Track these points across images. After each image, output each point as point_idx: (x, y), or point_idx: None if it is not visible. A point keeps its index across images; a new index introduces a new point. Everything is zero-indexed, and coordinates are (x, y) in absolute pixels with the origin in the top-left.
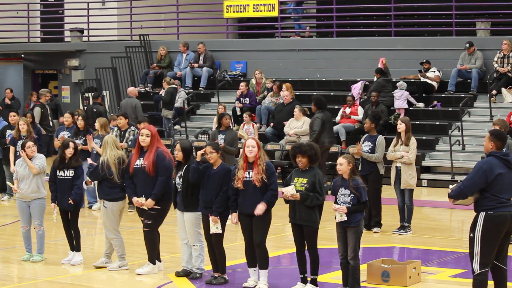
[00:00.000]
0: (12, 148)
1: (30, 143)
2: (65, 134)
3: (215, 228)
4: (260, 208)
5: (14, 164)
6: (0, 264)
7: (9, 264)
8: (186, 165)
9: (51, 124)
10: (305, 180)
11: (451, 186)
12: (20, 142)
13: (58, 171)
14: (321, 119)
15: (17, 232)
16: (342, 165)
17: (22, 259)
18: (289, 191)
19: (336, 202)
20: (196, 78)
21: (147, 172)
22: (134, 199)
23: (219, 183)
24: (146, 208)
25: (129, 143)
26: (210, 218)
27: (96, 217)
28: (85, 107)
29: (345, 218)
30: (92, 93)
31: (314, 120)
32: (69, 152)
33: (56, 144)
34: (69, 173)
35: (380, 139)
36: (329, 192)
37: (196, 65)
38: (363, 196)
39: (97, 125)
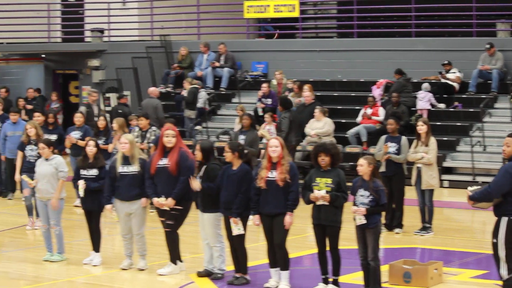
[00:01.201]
0: (20, 153)
1: (41, 145)
2: (74, 134)
3: (236, 229)
4: (288, 222)
5: (20, 172)
6: (21, 263)
7: (30, 264)
8: (205, 166)
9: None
10: (329, 180)
11: (469, 188)
12: (28, 147)
13: (82, 170)
14: (288, 118)
15: (37, 232)
16: (363, 166)
17: (43, 259)
18: (320, 193)
19: (354, 204)
20: (217, 79)
21: (170, 172)
22: (155, 199)
23: (238, 183)
24: (168, 209)
25: (150, 144)
26: (231, 220)
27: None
28: (111, 108)
29: (365, 221)
30: (117, 94)
31: (282, 120)
32: (89, 150)
33: (66, 144)
34: (93, 172)
35: (405, 140)
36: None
37: (217, 64)
38: (382, 198)
39: (115, 125)
